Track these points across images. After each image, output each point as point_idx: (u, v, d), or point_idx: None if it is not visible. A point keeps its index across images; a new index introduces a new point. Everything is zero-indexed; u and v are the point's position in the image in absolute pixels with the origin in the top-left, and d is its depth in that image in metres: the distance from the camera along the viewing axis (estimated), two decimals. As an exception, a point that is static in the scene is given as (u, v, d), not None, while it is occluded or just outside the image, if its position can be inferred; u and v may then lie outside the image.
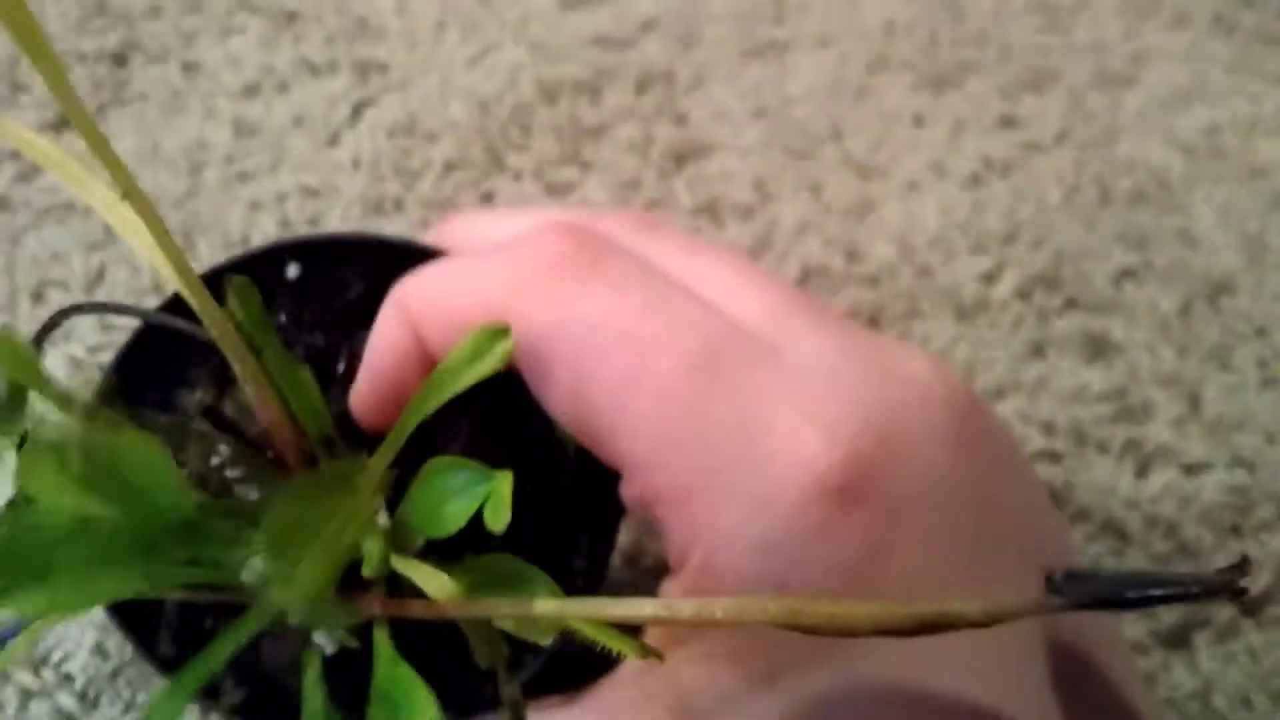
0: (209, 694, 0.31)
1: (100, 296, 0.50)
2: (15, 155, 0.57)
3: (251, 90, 0.62)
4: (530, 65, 0.63)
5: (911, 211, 0.58)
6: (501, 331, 0.26)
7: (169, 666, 0.31)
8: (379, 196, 0.56)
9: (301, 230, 0.54)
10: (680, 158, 0.60)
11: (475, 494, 0.25)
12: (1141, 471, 0.47)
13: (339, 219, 0.55)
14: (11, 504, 0.23)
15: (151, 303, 0.49)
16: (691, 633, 0.26)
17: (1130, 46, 0.70)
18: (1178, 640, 0.43)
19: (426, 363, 0.30)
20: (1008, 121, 0.64)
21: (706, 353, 0.27)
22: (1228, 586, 0.20)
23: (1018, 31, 0.71)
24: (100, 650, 0.39)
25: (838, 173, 0.61)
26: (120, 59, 0.63)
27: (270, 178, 0.57)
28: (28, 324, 0.49)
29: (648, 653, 0.23)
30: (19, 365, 0.25)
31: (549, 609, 0.24)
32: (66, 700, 0.38)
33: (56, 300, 0.50)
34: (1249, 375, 0.51)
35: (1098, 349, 0.51)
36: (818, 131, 0.62)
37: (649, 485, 0.27)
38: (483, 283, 0.29)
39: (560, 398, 0.28)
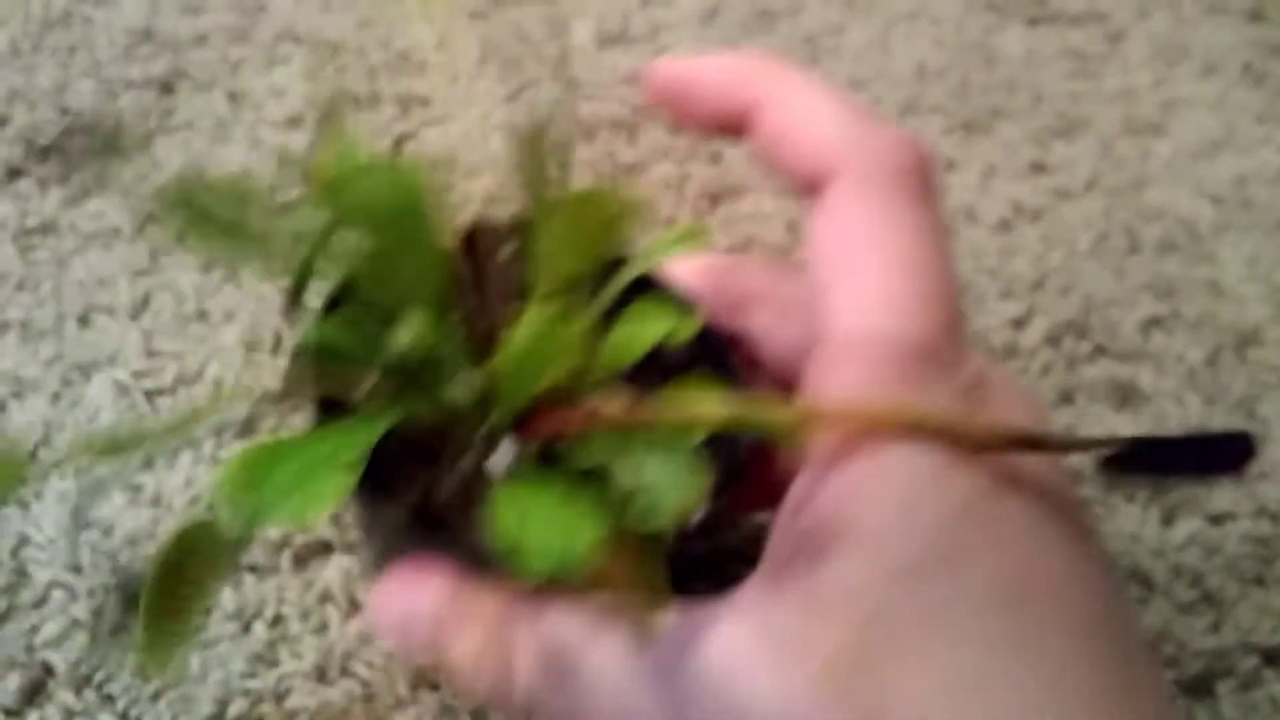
0: (379, 488, 0.30)
1: (145, 323, 0.51)
2: (63, 179, 0.58)
3: (295, 121, 0.63)
4: (571, 102, 0.64)
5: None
6: (702, 231, 0.31)
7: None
8: (419, 229, 0.57)
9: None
10: (715, 197, 0.61)
11: (669, 320, 0.30)
12: (1168, 520, 0.48)
13: (380, 251, 0.55)
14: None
15: (198, 330, 0.50)
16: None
17: (1160, 95, 0.71)
18: (1200, 689, 0.43)
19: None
20: (1038, 168, 0.65)
21: None
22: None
23: (1048, 78, 0.72)
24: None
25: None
26: (167, 87, 0.65)
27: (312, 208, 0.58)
28: (74, 347, 0.50)
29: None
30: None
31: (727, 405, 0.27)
32: (107, 720, 0.39)
33: (103, 325, 0.51)
34: (1275, 426, 0.52)
35: (1125, 397, 0.52)
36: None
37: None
38: None
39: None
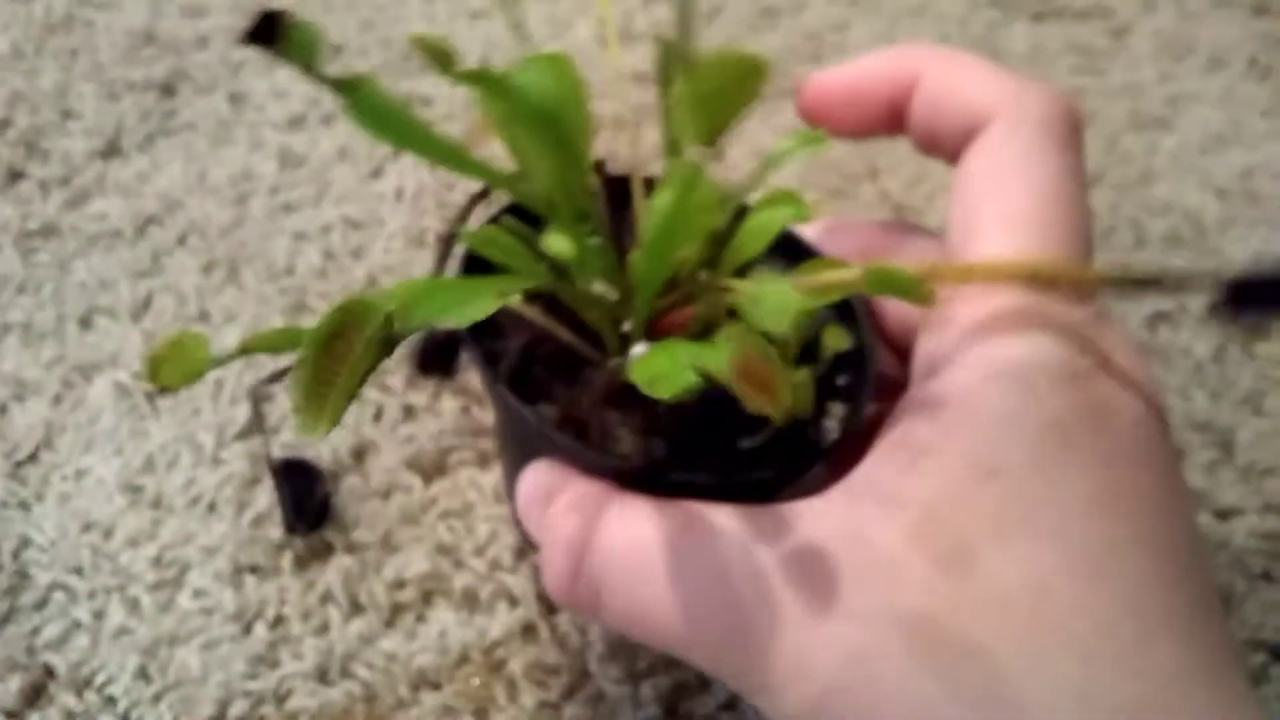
0: (491, 360, 0.33)
1: (147, 325, 0.51)
2: (65, 181, 0.58)
3: (297, 122, 0.63)
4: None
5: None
6: (820, 136, 0.31)
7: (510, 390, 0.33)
8: (420, 228, 0.57)
9: (346, 262, 0.55)
10: (768, 160, 0.61)
11: (795, 209, 0.31)
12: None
13: (382, 250, 0.55)
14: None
15: (199, 331, 0.50)
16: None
17: (1166, 90, 0.71)
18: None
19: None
20: (1043, 163, 0.64)
21: None
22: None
23: (1054, 73, 0.71)
24: (143, 674, 0.40)
25: (875, 210, 0.61)
26: (168, 89, 0.65)
27: (314, 209, 0.58)
28: (76, 349, 0.50)
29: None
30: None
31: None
32: (109, 722, 0.39)
33: (104, 327, 0.51)
34: (1282, 422, 0.51)
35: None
36: (854, 170, 0.63)
37: None
38: None
39: None
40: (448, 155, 0.30)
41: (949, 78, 0.34)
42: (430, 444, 0.47)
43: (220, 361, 0.27)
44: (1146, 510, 0.28)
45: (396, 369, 0.50)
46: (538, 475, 0.33)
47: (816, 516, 0.29)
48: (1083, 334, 0.29)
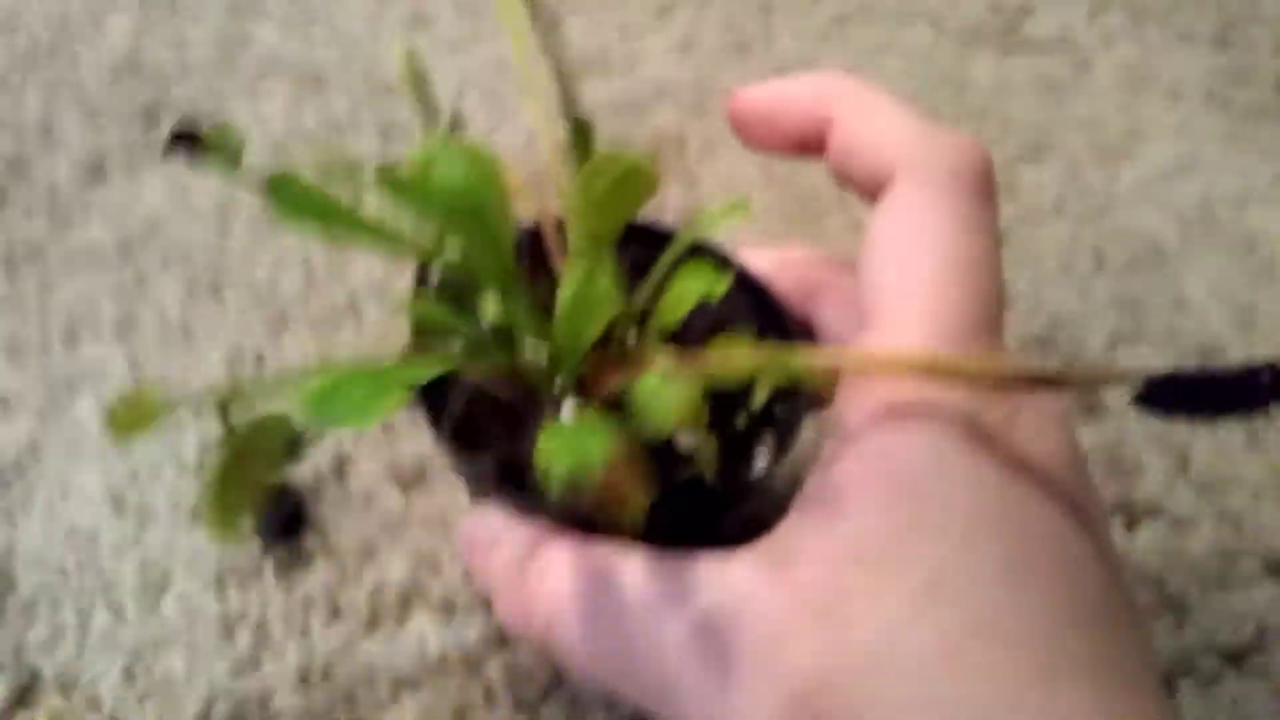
0: (434, 408, 0.35)
1: (132, 342, 0.52)
2: (49, 205, 0.59)
3: (279, 149, 0.64)
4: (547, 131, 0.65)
5: (913, 275, 0.60)
6: (744, 204, 0.34)
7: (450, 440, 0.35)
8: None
9: (327, 283, 0.56)
10: (692, 223, 0.62)
11: (709, 283, 0.33)
12: (1131, 525, 0.49)
13: (363, 270, 0.57)
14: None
15: (182, 349, 0.51)
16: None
17: (1126, 121, 0.73)
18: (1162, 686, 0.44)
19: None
20: (1007, 191, 0.66)
21: None
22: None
23: (1017, 106, 0.73)
24: (129, 676, 0.41)
25: (844, 238, 0.63)
26: (152, 116, 0.66)
27: (297, 233, 0.59)
28: (61, 367, 0.51)
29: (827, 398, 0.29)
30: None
31: (777, 359, 0.30)
32: (92, 727, 0.40)
33: (89, 345, 0.52)
34: (1236, 436, 0.53)
35: (1089, 408, 0.53)
36: (825, 198, 0.65)
37: None
38: None
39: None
40: (372, 240, 0.31)
41: (858, 123, 0.34)
42: (409, 455, 0.48)
43: (172, 408, 0.28)
44: (1060, 568, 0.28)
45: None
46: (473, 527, 0.35)
47: (725, 580, 0.29)
48: (988, 417, 0.29)
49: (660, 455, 0.34)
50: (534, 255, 0.37)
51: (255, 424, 0.25)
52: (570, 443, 0.27)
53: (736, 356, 0.31)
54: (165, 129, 0.64)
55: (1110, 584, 0.29)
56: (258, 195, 0.28)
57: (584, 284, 0.30)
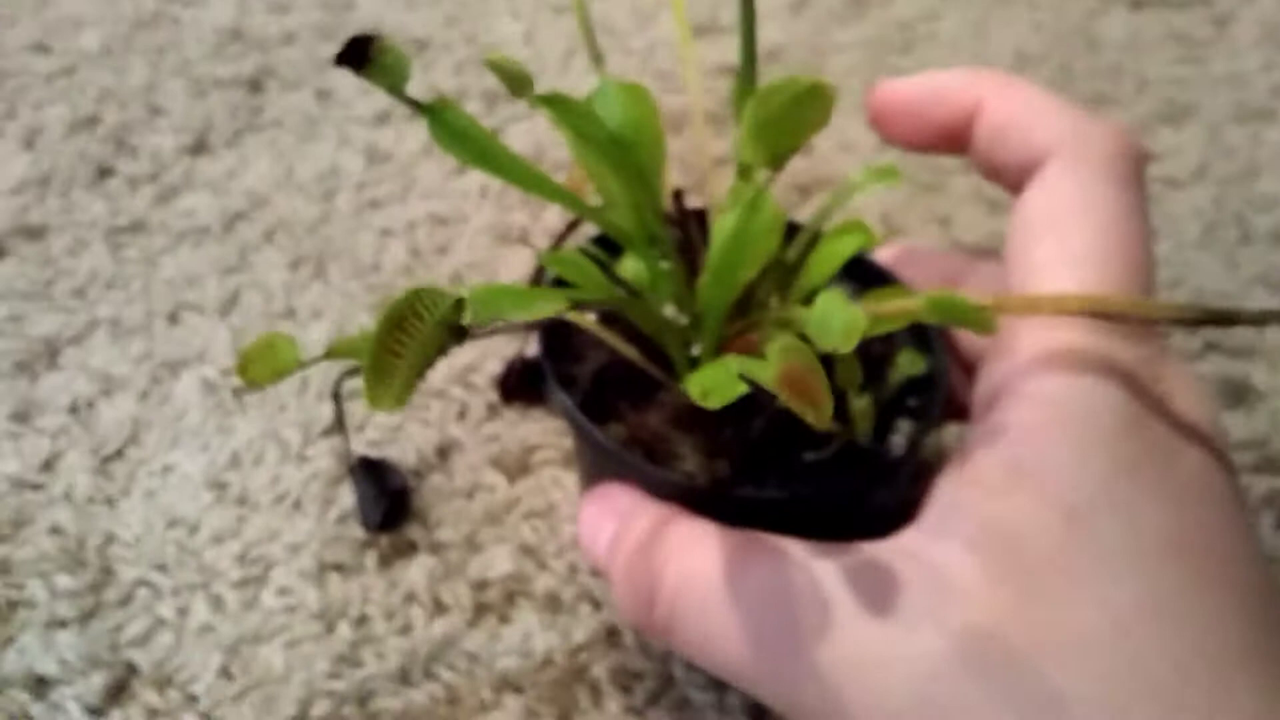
0: (566, 382, 0.35)
1: (234, 321, 0.51)
2: (154, 178, 0.58)
3: (382, 118, 0.63)
4: (657, 95, 0.63)
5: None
6: (894, 170, 0.33)
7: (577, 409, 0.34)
8: (506, 225, 0.56)
9: (431, 259, 0.54)
10: (805, 189, 0.60)
11: (862, 239, 0.34)
12: (1282, 523, 0.46)
13: (467, 247, 0.55)
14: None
15: (286, 328, 0.50)
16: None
17: (1270, 79, 0.68)
18: None
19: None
20: (1143, 155, 0.63)
21: None
22: None
23: (1153, 63, 0.69)
24: (226, 672, 0.40)
25: (967, 206, 0.60)
26: (256, 85, 0.65)
27: (400, 205, 0.57)
28: (163, 345, 0.50)
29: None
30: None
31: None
32: None
33: (192, 323, 0.51)
34: (1398, 423, 0.49)
35: (1238, 395, 0.50)
36: (946, 164, 0.61)
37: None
38: None
39: None
40: (524, 177, 0.31)
41: (1010, 110, 0.34)
42: (515, 443, 0.47)
43: (307, 364, 0.27)
44: (1217, 549, 0.27)
45: (480, 367, 0.49)
46: (598, 504, 0.34)
47: (887, 548, 0.29)
48: (1145, 373, 0.29)
49: (791, 440, 0.33)
50: (681, 216, 0.36)
51: (417, 291, 0.24)
52: (729, 371, 0.26)
53: (901, 297, 0.30)
54: (269, 98, 0.63)
55: (1266, 575, 0.28)
56: (418, 115, 0.29)
57: (747, 212, 0.29)
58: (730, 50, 0.67)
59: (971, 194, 0.60)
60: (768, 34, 0.70)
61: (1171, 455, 0.28)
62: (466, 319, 0.25)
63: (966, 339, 0.36)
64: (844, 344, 0.24)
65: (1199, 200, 0.60)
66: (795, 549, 0.29)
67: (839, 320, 0.24)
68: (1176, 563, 0.26)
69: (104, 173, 0.59)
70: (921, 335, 0.36)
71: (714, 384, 0.25)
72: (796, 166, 0.60)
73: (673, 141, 0.60)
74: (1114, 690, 0.25)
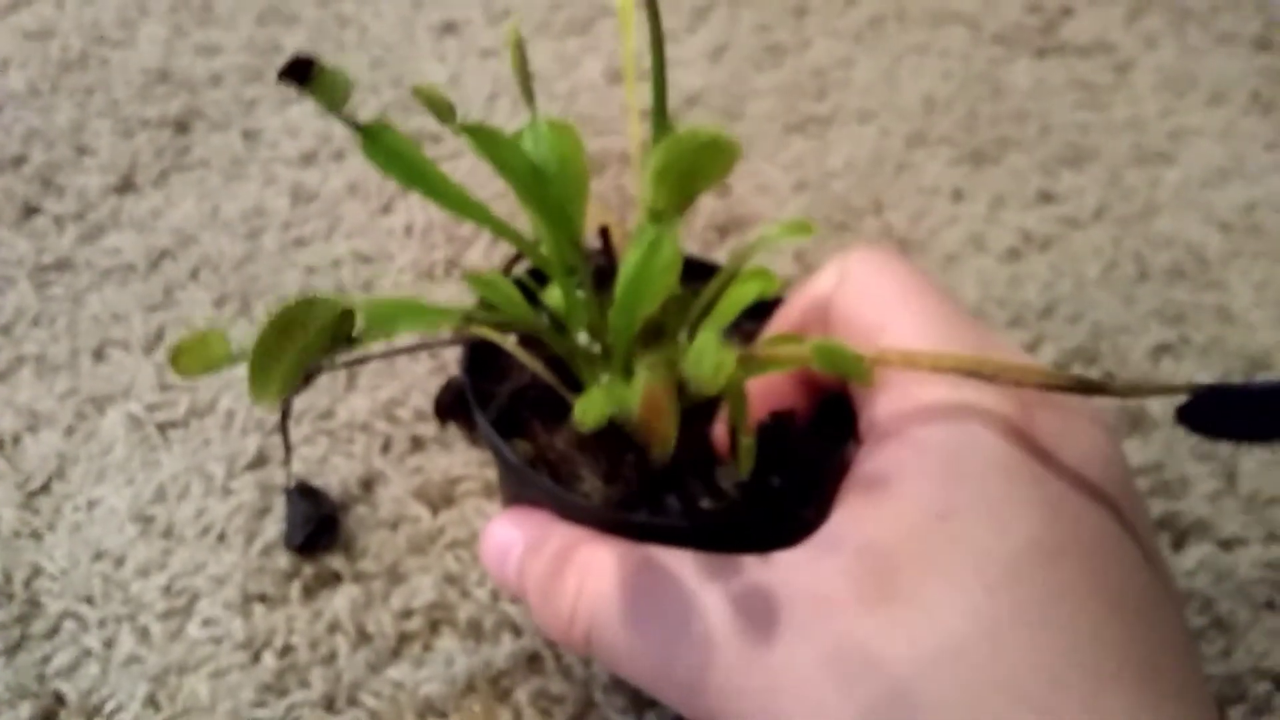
0: (480, 400, 0.36)
1: (160, 357, 0.52)
2: (80, 216, 0.59)
3: (309, 158, 0.64)
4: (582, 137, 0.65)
5: (951, 284, 0.59)
6: (808, 224, 0.34)
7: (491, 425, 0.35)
8: (430, 262, 0.57)
9: (357, 295, 0.55)
10: (723, 229, 0.61)
11: (764, 283, 0.34)
12: (1178, 545, 0.47)
13: (392, 284, 0.56)
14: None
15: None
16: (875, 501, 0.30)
17: (1168, 124, 0.71)
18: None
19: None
20: (1046, 197, 0.65)
21: None
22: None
23: (1057, 108, 0.72)
24: (152, 701, 0.40)
25: (877, 244, 0.62)
26: (183, 126, 0.66)
27: (325, 243, 0.58)
28: (89, 381, 0.50)
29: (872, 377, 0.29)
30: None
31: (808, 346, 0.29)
32: (118, 750, 0.40)
33: (117, 359, 0.52)
34: (1286, 452, 0.51)
35: (1135, 423, 0.52)
36: (859, 204, 0.64)
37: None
38: None
39: None
40: (455, 199, 0.32)
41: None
42: (438, 474, 0.48)
43: (236, 359, 0.28)
44: (1097, 557, 0.28)
45: (405, 401, 0.50)
46: (502, 529, 0.35)
47: (771, 565, 0.30)
48: (1018, 416, 0.30)
49: (700, 468, 0.35)
50: (600, 258, 0.38)
51: (305, 299, 0.25)
52: (606, 392, 0.28)
53: (786, 345, 0.31)
54: (196, 138, 0.63)
55: (1155, 586, 0.29)
56: (353, 135, 0.30)
57: (649, 251, 0.30)
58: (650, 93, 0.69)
59: (881, 233, 0.62)
60: (688, 79, 0.72)
61: (1046, 468, 0.29)
62: (356, 330, 0.27)
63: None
64: (712, 381, 0.25)
65: (1098, 240, 0.62)
66: (688, 569, 0.30)
67: (710, 360, 0.26)
68: (1051, 569, 0.27)
69: (30, 211, 0.59)
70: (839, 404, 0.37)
71: (589, 405, 0.27)
72: (714, 207, 0.62)
73: (593, 181, 0.62)
74: (981, 699, 0.25)
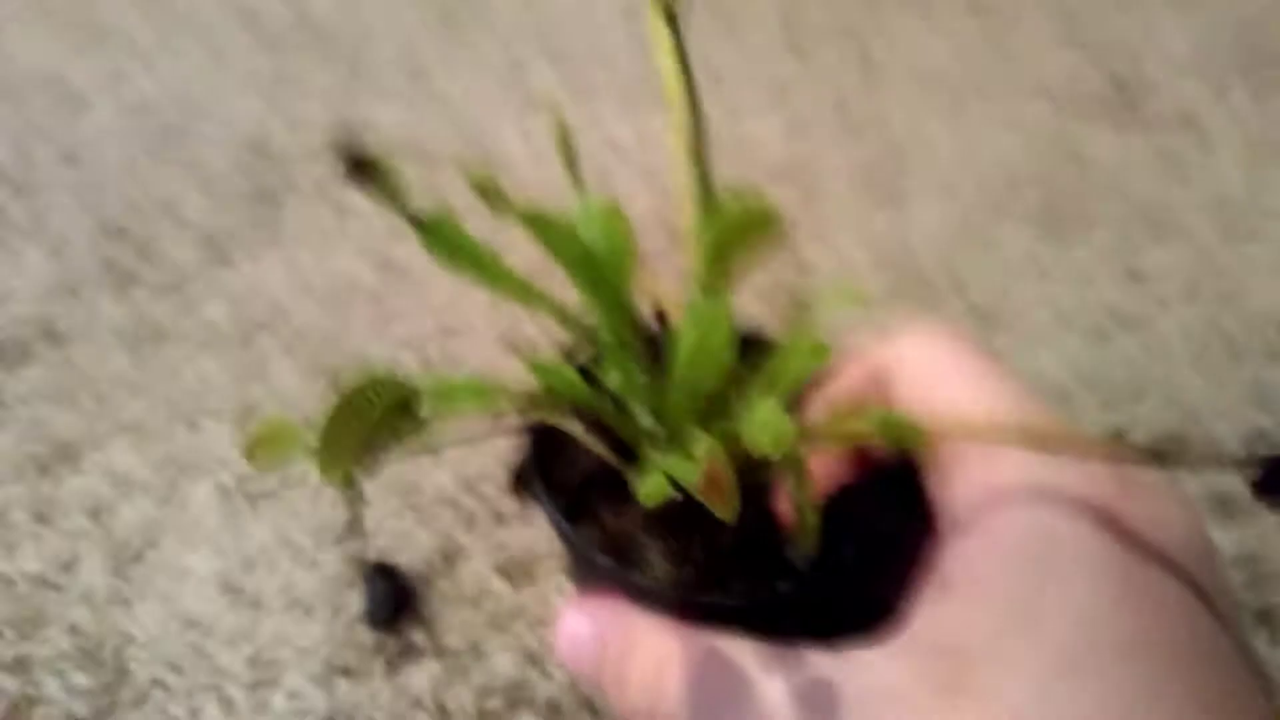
0: (547, 484, 0.36)
1: (250, 428, 0.53)
2: (175, 287, 0.60)
3: (397, 232, 0.65)
4: (661, 212, 0.65)
5: (1037, 364, 0.58)
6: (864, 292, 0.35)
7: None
8: (515, 336, 0.58)
9: (443, 369, 0.56)
10: (805, 308, 0.62)
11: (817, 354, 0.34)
12: (1275, 640, 0.47)
13: (477, 358, 0.57)
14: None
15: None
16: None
17: (1256, 200, 0.71)
18: None
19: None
20: (1134, 275, 0.65)
21: None
22: None
23: (1140, 184, 0.72)
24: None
25: (962, 323, 0.61)
26: (276, 199, 0.67)
27: (414, 317, 0.59)
28: (182, 450, 0.52)
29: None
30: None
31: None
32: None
33: (210, 430, 0.53)
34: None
35: (1228, 510, 0.51)
36: (941, 282, 0.63)
37: None
38: None
39: None
40: (515, 288, 0.33)
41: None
42: (520, 550, 0.48)
43: (307, 449, 0.28)
44: (1183, 651, 0.28)
45: (488, 475, 0.51)
46: (571, 621, 0.35)
47: (841, 659, 0.29)
48: (1097, 496, 0.29)
49: (762, 546, 0.35)
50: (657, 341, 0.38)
51: (372, 378, 0.26)
52: (667, 468, 0.28)
53: (850, 421, 0.31)
54: (289, 211, 0.65)
55: (1242, 680, 0.28)
56: (415, 230, 0.30)
57: (705, 329, 0.31)
58: (733, 171, 0.69)
59: (966, 310, 0.62)
60: (769, 156, 0.73)
61: (1134, 556, 0.29)
62: (424, 410, 0.27)
63: None
64: (773, 450, 0.26)
65: (1189, 321, 0.62)
66: (753, 660, 0.30)
67: (770, 430, 0.26)
68: (1134, 663, 0.27)
69: (128, 281, 0.61)
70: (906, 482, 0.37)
71: (651, 483, 0.27)
72: (796, 284, 0.62)
73: (676, 256, 0.63)
74: None
